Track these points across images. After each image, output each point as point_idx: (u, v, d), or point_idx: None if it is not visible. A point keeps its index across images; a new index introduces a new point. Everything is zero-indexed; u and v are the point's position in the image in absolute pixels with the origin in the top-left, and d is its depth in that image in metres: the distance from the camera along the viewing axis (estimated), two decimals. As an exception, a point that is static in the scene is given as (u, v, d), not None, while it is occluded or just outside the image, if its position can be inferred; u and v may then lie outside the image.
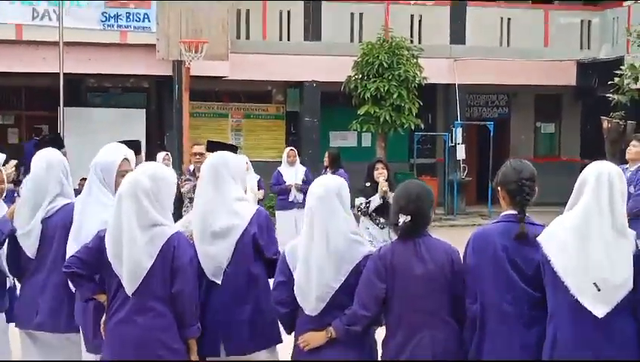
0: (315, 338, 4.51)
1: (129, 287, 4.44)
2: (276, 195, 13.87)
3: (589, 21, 23.46)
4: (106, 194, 4.92)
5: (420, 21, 22.48)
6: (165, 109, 21.82)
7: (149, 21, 19.69)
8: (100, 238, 4.59)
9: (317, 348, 4.50)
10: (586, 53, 23.33)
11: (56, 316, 5.07)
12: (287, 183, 13.44)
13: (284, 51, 21.52)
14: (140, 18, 19.86)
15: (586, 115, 24.97)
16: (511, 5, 23.60)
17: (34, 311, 5.13)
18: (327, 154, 13.74)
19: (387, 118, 19.16)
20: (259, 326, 4.75)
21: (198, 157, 9.35)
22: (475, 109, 24.71)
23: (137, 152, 5.70)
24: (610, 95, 14.26)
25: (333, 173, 13.30)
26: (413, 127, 19.79)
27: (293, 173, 13.65)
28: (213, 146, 6.83)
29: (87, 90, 22.76)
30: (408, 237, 4.44)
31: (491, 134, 22.11)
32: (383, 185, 8.91)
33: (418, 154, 23.19)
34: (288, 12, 21.83)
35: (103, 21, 19.69)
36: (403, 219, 4.41)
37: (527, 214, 4.37)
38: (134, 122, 20.83)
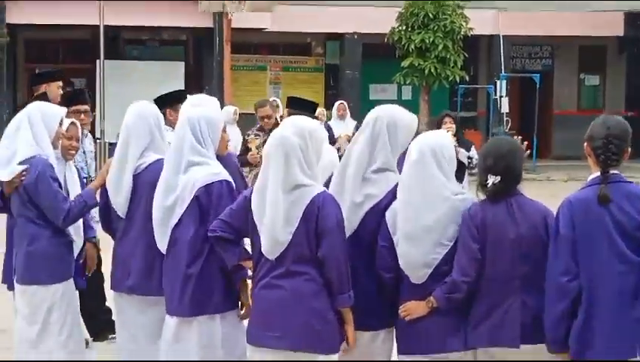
0: (417, 308, 4.25)
1: (271, 252, 4.12)
2: None
3: (638, -30, 22.82)
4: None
5: (464, -30, 21.94)
6: (204, 62, 21.53)
7: (190, -28, 19.34)
8: (245, 198, 4.28)
9: (420, 318, 4.25)
10: (634, 3, 22.71)
11: (149, 278, 4.82)
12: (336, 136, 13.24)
13: (326, 2, 21.10)
14: (180, -31, 19.51)
15: (631, 67, 24.44)
16: (557, -46, 22.99)
17: (126, 273, 4.89)
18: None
19: (432, 70, 18.81)
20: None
21: (266, 120, 8.85)
22: (517, 61, 24.24)
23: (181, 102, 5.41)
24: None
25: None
26: (458, 80, 19.40)
27: (343, 127, 13.47)
28: (294, 103, 6.53)
29: (124, 43, 22.50)
30: (499, 198, 4.14)
31: (537, 86, 21.65)
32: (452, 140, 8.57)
33: (461, 107, 22.79)
34: (330, -39, 21.38)
35: (143, -27, 19.35)
36: (492, 179, 4.11)
37: (616, 172, 4.01)
38: (173, 75, 20.57)
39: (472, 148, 9.22)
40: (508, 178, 4.13)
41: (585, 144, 4.04)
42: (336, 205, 4.17)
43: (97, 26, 17.84)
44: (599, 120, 4.10)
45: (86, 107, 6.82)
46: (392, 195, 4.36)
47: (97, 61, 18.55)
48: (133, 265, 4.89)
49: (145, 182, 4.86)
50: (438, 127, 8.81)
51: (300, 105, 6.42)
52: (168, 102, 6.36)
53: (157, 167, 4.80)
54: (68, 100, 6.72)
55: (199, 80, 21.74)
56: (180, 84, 20.38)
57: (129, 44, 22.56)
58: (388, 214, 4.31)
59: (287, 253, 4.10)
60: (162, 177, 4.62)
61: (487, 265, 4.12)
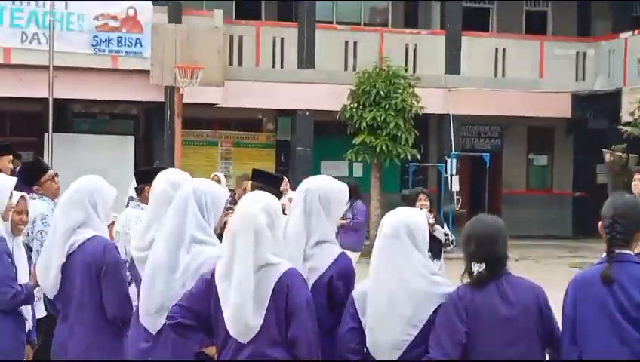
0: None
1: (243, 336, 3.89)
2: None
3: (585, 53, 23.33)
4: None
5: (414, 50, 22.23)
6: (155, 136, 21.38)
7: (141, 46, 19.32)
8: (205, 281, 4.06)
9: None
10: (581, 85, 23.16)
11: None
12: None
13: (278, 79, 21.19)
14: (132, 43, 19.47)
15: (578, 148, 24.80)
16: (506, 36, 23.43)
17: (63, 355, 4.67)
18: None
19: (383, 147, 18.85)
20: None
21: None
22: (467, 140, 24.45)
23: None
24: (622, 127, 14.03)
25: (351, 205, 12.98)
26: (409, 158, 19.46)
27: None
28: (258, 177, 6.31)
29: (73, 116, 22.28)
30: (485, 284, 3.99)
31: (487, 165, 21.81)
32: (429, 218, 8.49)
33: (412, 184, 22.82)
34: (282, 39, 21.51)
35: (93, 45, 19.28)
36: (477, 267, 3.97)
37: (626, 252, 3.92)
38: (122, 149, 20.39)
39: (445, 226, 9.18)
40: (493, 264, 3.99)
41: (599, 223, 4.02)
42: (304, 282, 4.02)
43: (46, 99, 17.65)
44: (609, 199, 4.08)
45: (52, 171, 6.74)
46: (335, 268, 4.27)
47: (46, 134, 18.30)
48: (69, 347, 4.67)
49: (79, 261, 4.67)
50: (412, 203, 8.71)
51: (264, 179, 6.22)
52: (149, 179, 6.19)
53: (93, 243, 4.62)
54: (37, 170, 6.57)
55: (149, 154, 21.55)
56: (129, 159, 20.22)
57: (78, 117, 22.34)
58: (356, 294, 4.14)
59: (258, 335, 3.90)
60: (159, 256, 4.30)
61: (481, 346, 3.94)
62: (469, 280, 4.02)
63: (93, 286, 4.71)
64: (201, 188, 4.41)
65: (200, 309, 4.05)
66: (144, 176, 6.17)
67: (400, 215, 4.15)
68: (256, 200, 4.07)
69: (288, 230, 4.35)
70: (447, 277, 4.20)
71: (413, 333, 3.99)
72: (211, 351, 4.10)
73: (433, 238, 8.53)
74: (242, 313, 3.87)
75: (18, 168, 7.00)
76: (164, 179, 4.69)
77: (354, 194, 12.96)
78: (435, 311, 3.99)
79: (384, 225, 4.12)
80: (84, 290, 4.70)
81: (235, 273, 3.90)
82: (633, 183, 9.56)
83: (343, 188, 4.49)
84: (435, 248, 8.63)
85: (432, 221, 8.54)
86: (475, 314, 3.94)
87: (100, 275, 4.70)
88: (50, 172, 6.79)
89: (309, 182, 4.47)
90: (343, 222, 12.86)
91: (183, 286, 4.20)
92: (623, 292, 3.87)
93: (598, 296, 3.90)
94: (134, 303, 4.62)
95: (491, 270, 3.97)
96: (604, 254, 3.98)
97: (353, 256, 12.81)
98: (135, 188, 6.20)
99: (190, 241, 4.28)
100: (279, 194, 6.33)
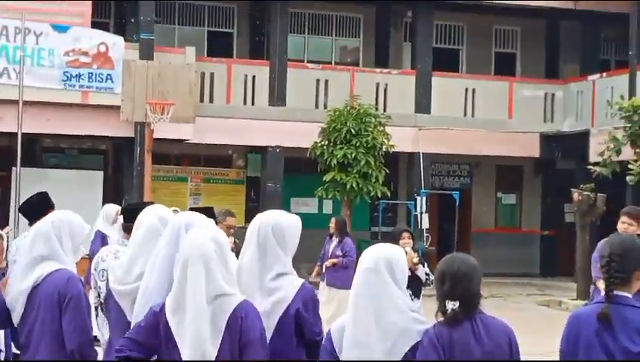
0: None
1: None
2: None
3: (553, 94, 23.59)
4: None
5: (385, 90, 22.38)
6: (124, 172, 21.30)
7: (112, 82, 19.29)
8: (154, 314, 4.03)
9: None
10: (549, 125, 23.40)
11: None
12: None
13: (248, 116, 21.23)
14: (102, 79, 19.44)
15: (546, 187, 25.03)
16: (475, 77, 23.67)
17: None
18: (333, 221, 13.29)
19: (354, 185, 18.87)
20: None
21: (231, 230, 8.86)
22: (437, 178, 24.59)
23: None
24: (592, 167, 14.15)
25: (340, 241, 12.94)
26: (379, 195, 19.51)
27: None
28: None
29: (42, 151, 22.16)
30: (460, 323, 3.99)
31: (457, 204, 21.92)
32: (413, 256, 8.50)
33: (382, 222, 22.87)
34: (253, 77, 21.58)
35: (64, 80, 19.22)
36: (451, 305, 3.96)
37: (623, 294, 3.93)
38: (91, 184, 20.27)
39: (426, 265, 9.19)
40: (467, 302, 3.97)
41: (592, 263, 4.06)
42: (258, 315, 4.01)
43: (15, 133, 17.54)
44: (607, 239, 4.07)
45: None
46: (300, 298, 4.29)
47: (14, 168, 18.16)
48: None
49: (43, 292, 4.67)
50: (396, 241, 8.71)
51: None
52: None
53: (57, 276, 4.64)
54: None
55: (118, 189, 21.44)
56: (98, 193, 20.10)
57: (47, 151, 22.22)
58: (333, 328, 4.11)
59: None
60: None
61: None
62: (442, 319, 4.01)
63: (55, 318, 4.71)
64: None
65: (149, 342, 4.02)
66: (135, 213, 6.18)
67: (380, 250, 4.13)
68: (205, 231, 4.09)
69: (244, 264, 4.37)
70: (425, 316, 4.20)
71: None
72: None
73: (414, 277, 8.56)
74: (199, 343, 3.85)
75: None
76: (152, 214, 4.76)
77: (343, 231, 13.02)
78: (412, 348, 3.97)
79: (364, 260, 4.10)
80: (46, 321, 4.71)
81: (189, 304, 3.89)
82: (619, 225, 9.48)
83: (296, 221, 4.53)
84: (416, 287, 8.65)
85: (416, 260, 8.55)
86: (452, 352, 3.92)
87: (62, 306, 4.71)
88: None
89: (261, 216, 4.51)
90: (335, 261, 12.80)
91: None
92: (612, 336, 3.87)
93: (589, 337, 3.91)
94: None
95: (465, 308, 3.96)
96: (603, 294, 3.99)
97: (344, 293, 12.67)
98: (125, 226, 6.12)
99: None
100: None
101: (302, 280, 4.44)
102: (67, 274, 4.77)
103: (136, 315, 4.38)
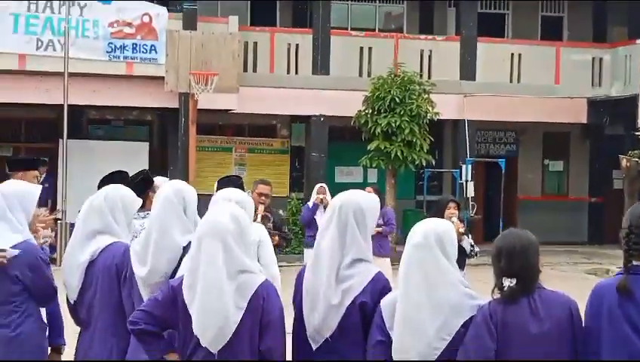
0: None
1: (214, 345, 3.85)
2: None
3: (601, 58, 23.19)
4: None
5: (429, 56, 22.18)
6: (169, 143, 21.39)
7: (156, 53, 19.33)
8: (172, 288, 4.02)
9: None
10: (597, 90, 23.02)
11: None
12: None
13: (292, 85, 21.16)
14: (146, 49, 19.48)
15: (594, 154, 24.67)
16: (521, 42, 23.32)
17: None
18: (370, 190, 13.29)
19: (398, 153, 18.77)
20: None
21: (263, 198, 8.87)
22: (482, 146, 24.34)
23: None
24: (639, 133, 13.93)
25: (380, 210, 12.96)
26: (424, 164, 19.38)
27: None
28: (223, 184, 6.26)
29: (88, 122, 22.31)
30: (517, 299, 3.91)
31: (503, 171, 21.71)
32: (459, 226, 8.40)
33: (427, 191, 22.75)
34: (297, 45, 21.50)
35: (108, 52, 19.30)
36: (508, 282, 3.89)
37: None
38: (137, 155, 20.37)
39: (470, 236, 9.07)
40: (524, 279, 3.90)
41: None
42: (278, 296, 3.98)
43: (61, 105, 17.67)
44: (629, 210, 3.98)
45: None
46: (370, 287, 4.16)
47: (60, 140, 18.32)
48: (91, 356, 4.66)
49: (100, 266, 4.66)
50: (442, 211, 8.63)
51: (227, 185, 6.14)
52: (149, 185, 6.18)
53: (113, 249, 4.63)
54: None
55: (164, 160, 21.56)
56: (144, 164, 20.13)
57: (93, 123, 22.37)
58: (383, 304, 4.07)
59: (229, 345, 3.85)
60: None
61: None
62: (499, 296, 3.95)
63: (114, 291, 4.71)
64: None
65: (165, 316, 4.00)
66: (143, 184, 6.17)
67: (430, 224, 4.08)
68: (223, 208, 4.05)
69: (322, 247, 4.26)
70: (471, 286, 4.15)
71: (441, 346, 3.91)
72: (173, 357, 4.05)
73: (460, 248, 8.48)
74: (217, 319, 3.83)
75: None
76: (169, 187, 4.78)
77: (381, 200, 12.97)
78: (465, 324, 3.91)
79: (414, 235, 4.05)
80: (105, 295, 4.70)
81: (202, 278, 3.85)
82: None
83: (377, 202, 4.42)
84: (460, 258, 8.58)
85: (462, 230, 8.45)
86: (505, 330, 3.85)
87: (120, 279, 4.71)
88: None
89: (342, 197, 4.36)
90: (380, 229, 12.86)
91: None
92: (635, 306, 3.79)
93: (611, 308, 3.84)
94: None
95: (523, 285, 3.89)
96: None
97: (385, 261, 12.89)
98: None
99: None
100: None
101: (377, 270, 4.29)
102: (123, 246, 4.77)
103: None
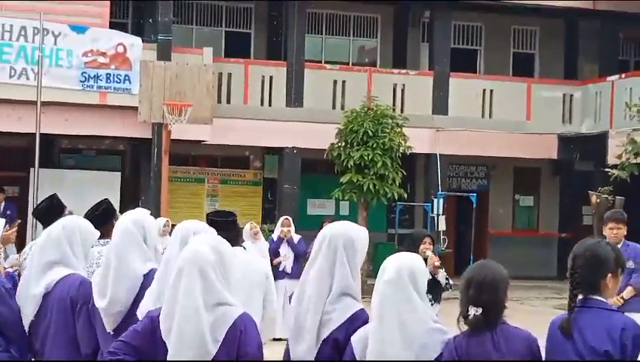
0: None
1: None
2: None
3: (571, 95, 23.45)
4: None
5: (402, 90, 22.33)
6: (142, 173, 21.32)
7: (130, 83, 19.33)
8: (151, 319, 4.00)
9: None
10: (568, 127, 23.27)
11: None
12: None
13: (266, 117, 21.22)
14: (120, 79, 19.48)
15: (564, 190, 24.89)
16: (493, 78, 23.58)
17: None
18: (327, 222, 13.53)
19: (370, 187, 18.83)
20: None
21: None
22: (454, 180, 24.49)
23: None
24: (610, 169, 14.04)
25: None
26: (396, 197, 19.45)
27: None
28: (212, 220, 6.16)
29: (60, 151, 22.23)
30: (481, 330, 3.96)
31: (474, 206, 21.83)
32: (435, 260, 8.42)
33: (398, 224, 22.81)
34: (270, 77, 21.58)
35: (82, 81, 19.28)
36: (474, 311, 3.93)
37: (597, 298, 3.91)
38: (108, 185, 20.27)
39: (444, 270, 9.11)
40: (490, 310, 3.95)
41: None
42: (257, 329, 3.95)
43: (33, 134, 17.60)
44: (574, 247, 4.07)
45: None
46: (348, 324, 4.16)
47: (31, 169, 18.22)
48: None
49: (55, 299, 4.65)
50: (417, 245, 8.65)
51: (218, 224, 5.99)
52: (111, 214, 6.14)
53: (68, 280, 4.62)
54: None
55: (136, 190, 21.49)
56: (115, 194, 20.11)
57: (65, 152, 22.29)
58: (355, 339, 4.07)
59: None
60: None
61: None
62: (463, 325, 4.00)
63: (69, 324, 4.70)
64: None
65: (143, 347, 3.98)
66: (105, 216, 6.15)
67: (402, 260, 4.08)
68: (204, 239, 4.03)
69: (309, 278, 4.24)
70: (443, 319, 4.18)
71: None
72: None
73: (435, 281, 8.50)
74: (195, 349, 3.80)
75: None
76: (127, 218, 4.80)
77: None
78: (437, 359, 3.95)
79: (386, 269, 4.06)
80: (59, 327, 4.69)
81: (181, 310, 3.83)
82: (607, 231, 9.28)
83: (366, 234, 4.36)
84: (436, 291, 8.60)
85: (437, 263, 8.48)
86: None
87: (74, 311, 4.69)
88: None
89: (333, 229, 4.30)
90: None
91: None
92: (582, 340, 3.88)
93: (562, 342, 3.95)
94: None
95: (488, 316, 3.94)
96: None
97: None
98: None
99: None
100: (237, 236, 6.16)
101: (359, 307, 4.25)
102: (79, 279, 4.76)
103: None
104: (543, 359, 3.98)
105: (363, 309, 4.28)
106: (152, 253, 4.62)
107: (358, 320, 4.20)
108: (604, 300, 3.94)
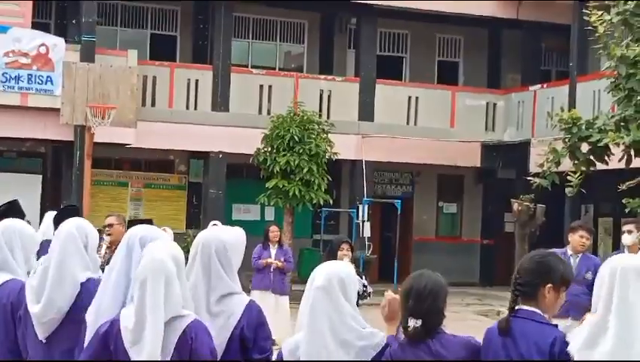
0: None
1: None
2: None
3: (495, 104, 23.79)
4: None
5: (329, 96, 22.39)
6: (63, 176, 20.96)
7: (52, 84, 18.99)
8: (105, 334, 3.90)
9: None
10: (491, 135, 23.59)
11: None
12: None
13: (191, 121, 21.05)
14: (42, 81, 19.13)
15: (487, 197, 25.23)
16: (418, 85, 23.78)
17: None
18: (276, 229, 13.95)
19: (296, 192, 18.83)
20: None
21: (108, 228, 8.64)
22: (379, 186, 24.64)
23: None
24: (531, 178, 14.26)
25: (281, 247, 13.65)
26: (321, 203, 19.48)
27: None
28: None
29: (-22, 153, 21.73)
30: (419, 340, 3.96)
31: (399, 212, 21.98)
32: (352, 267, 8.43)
33: (323, 230, 22.84)
34: (196, 81, 21.41)
35: (2, 82, 18.89)
36: (413, 323, 3.94)
37: (530, 309, 3.93)
38: (29, 188, 19.98)
39: (364, 277, 9.12)
40: (429, 321, 3.96)
41: None
42: (209, 335, 3.91)
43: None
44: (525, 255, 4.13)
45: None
46: (246, 318, 4.21)
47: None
48: None
49: None
50: (335, 252, 8.64)
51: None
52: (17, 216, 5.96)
53: (9, 286, 4.48)
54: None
55: (57, 194, 21.11)
56: (36, 198, 19.80)
57: (-17, 154, 21.80)
58: (286, 348, 4.06)
59: None
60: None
61: None
62: (402, 336, 4.00)
63: (9, 330, 4.56)
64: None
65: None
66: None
67: (333, 267, 4.11)
68: (163, 247, 3.96)
69: (189, 286, 4.21)
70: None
71: None
72: None
73: None
74: (156, 352, 3.76)
75: None
76: (71, 224, 4.62)
77: (281, 238, 13.74)
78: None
79: (317, 277, 4.05)
80: (0, 332, 4.54)
81: (149, 325, 3.77)
82: (577, 239, 9.44)
83: (240, 237, 4.44)
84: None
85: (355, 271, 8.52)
86: None
87: (15, 318, 4.56)
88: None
89: (204, 235, 4.37)
90: (281, 265, 13.29)
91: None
92: (514, 348, 3.91)
93: (497, 351, 3.95)
94: None
95: (427, 326, 3.95)
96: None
97: (284, 299, 13.23)
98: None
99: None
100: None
101: (248, 299, 4.32)
102: (19, 284, 4.62)
103: (89, 333, 4.21)
104: None
105: (252, 300, 4.36)
106: (91, 263, 4.50)
107: (252, 310, 4.29)
108: (539, 312, 3.94)
